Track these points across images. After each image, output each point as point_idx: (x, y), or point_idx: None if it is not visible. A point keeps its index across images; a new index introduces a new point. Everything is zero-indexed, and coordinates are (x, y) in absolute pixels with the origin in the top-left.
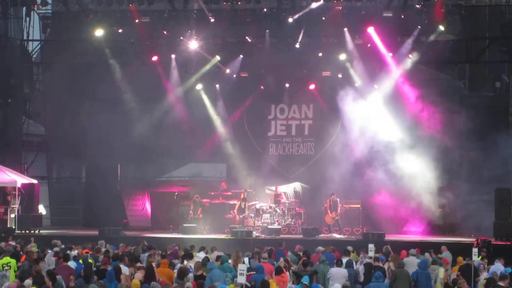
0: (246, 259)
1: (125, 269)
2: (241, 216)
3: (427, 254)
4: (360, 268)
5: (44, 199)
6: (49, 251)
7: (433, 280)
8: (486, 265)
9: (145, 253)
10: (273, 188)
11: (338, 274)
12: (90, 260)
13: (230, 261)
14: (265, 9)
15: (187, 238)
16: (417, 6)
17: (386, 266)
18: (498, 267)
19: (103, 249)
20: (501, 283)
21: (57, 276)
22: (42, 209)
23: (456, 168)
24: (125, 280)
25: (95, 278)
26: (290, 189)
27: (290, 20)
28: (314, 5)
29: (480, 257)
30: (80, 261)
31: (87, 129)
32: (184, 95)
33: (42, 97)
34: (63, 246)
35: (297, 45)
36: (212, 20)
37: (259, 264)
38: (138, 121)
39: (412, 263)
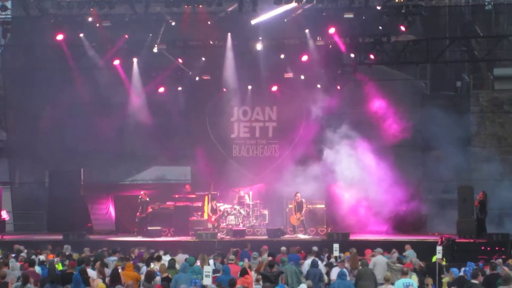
0: (211, 261)
1: (92, 273)
2: (215, 217)
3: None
4: (323, 268)
5: (7, 204)
6: (13, 256)
7: None
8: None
9: (111, 257)
10: (237, 190)
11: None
12: (59, 265)
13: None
14: (228, 10)
15: (152, 241)
16: (378, 7)
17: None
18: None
19: (67, 253)
20: (474, 281)
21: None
22: (5, 215)
23: (419, 167)
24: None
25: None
26: (254, 190)
27: (252, 22)
28: (275, 7)
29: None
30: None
31: (49, 134)
32: (147, 99)
33: (3, 102)
34: (25, 251)
35: (259, 47)
36: (173, 23)
37: (226, 266)
38: (100, 125)
39: (380, 262)
